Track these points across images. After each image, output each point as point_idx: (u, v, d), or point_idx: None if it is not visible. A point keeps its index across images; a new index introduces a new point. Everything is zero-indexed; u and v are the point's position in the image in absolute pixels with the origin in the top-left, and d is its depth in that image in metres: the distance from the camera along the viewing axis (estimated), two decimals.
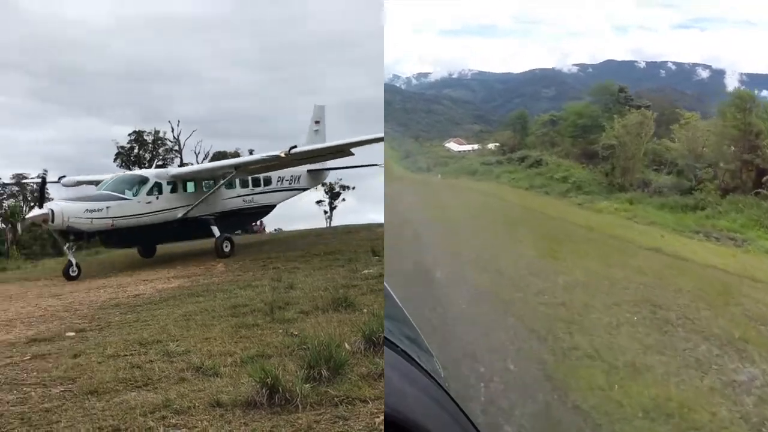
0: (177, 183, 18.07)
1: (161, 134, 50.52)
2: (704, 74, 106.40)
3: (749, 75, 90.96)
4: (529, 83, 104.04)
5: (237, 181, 19.77)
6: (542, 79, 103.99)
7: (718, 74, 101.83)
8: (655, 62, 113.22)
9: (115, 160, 49.27)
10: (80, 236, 16.73)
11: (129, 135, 49.96)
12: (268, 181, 21.08)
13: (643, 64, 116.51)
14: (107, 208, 16.42)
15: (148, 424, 4.86)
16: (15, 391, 6.12)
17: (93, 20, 76.91)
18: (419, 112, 76.49)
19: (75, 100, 71.39)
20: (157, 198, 17.40)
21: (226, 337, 7.79)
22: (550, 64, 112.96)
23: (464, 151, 54.13)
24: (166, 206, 17.49)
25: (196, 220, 18.15)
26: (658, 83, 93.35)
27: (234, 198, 19.75)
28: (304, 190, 23.56)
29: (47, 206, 16.14)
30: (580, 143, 34.44)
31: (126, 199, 16.85)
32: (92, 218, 16.15)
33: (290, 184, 22.04)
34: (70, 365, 7.02)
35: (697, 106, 66.75)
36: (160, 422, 4.88)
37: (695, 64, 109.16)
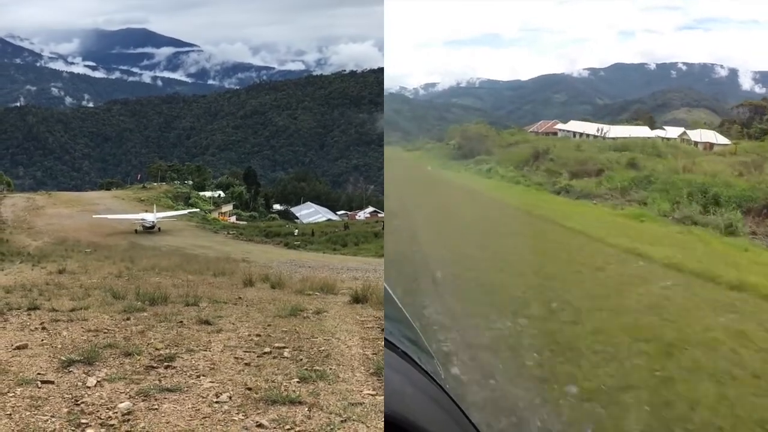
0: None
1: None
2: (721, 73, 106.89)
3: (761, 73, 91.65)
4: (539, 89, 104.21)
5: None
6: (552, 85, 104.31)
7: (732, 73, 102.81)
8: (665, 63, 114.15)
9: None
10: None
11: None
12: None
13: (653, 66, 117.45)
14: None
15: None
16: None
17: None
18: (430, 120, 76.72)
19: None
20: None
21: None
22: (558, 69, 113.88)
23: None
24: None
25: None
26: (670, 85, 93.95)
27: None
28: None
29: None
30: None
31: None
32: None
33: None
34: None
35: (714, 105, 67.27)
36: None
37: (709, 64, 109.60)
